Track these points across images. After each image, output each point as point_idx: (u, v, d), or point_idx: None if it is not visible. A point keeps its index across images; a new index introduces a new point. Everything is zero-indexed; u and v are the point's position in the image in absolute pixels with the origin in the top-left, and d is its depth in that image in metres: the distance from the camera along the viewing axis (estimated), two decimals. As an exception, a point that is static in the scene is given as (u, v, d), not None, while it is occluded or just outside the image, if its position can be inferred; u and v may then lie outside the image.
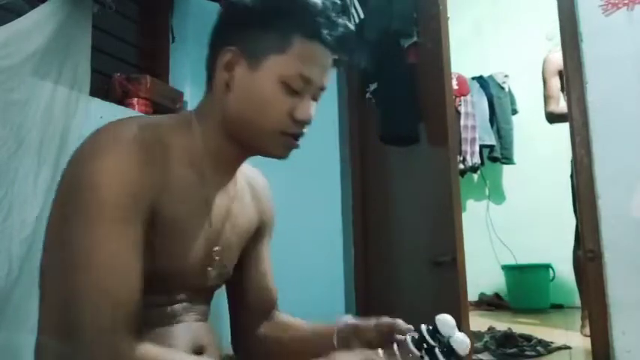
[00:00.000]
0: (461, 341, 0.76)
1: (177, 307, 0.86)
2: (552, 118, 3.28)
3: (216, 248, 0.87)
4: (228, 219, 0.89)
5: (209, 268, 0.87)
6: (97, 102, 2.01)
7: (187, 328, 0.86)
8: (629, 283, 1.87)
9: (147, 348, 0.71)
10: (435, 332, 0.78)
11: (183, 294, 0.86)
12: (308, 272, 2.45)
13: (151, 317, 0.78)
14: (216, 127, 0.85)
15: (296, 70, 0.81)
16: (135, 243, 0.73)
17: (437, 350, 0.75)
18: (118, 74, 2.17)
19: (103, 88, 2.15)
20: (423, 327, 0.79)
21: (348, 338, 0.91)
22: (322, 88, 0.86)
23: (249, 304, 1.01)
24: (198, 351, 0.87)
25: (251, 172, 1.01)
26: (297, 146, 0.86)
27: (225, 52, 0.83)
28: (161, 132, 0.81)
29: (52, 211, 0.80)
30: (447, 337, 0.77)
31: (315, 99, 0.86)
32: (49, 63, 1.85)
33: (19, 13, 1.77)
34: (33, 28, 1.78)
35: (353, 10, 2.45)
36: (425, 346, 0.76)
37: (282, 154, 0.86)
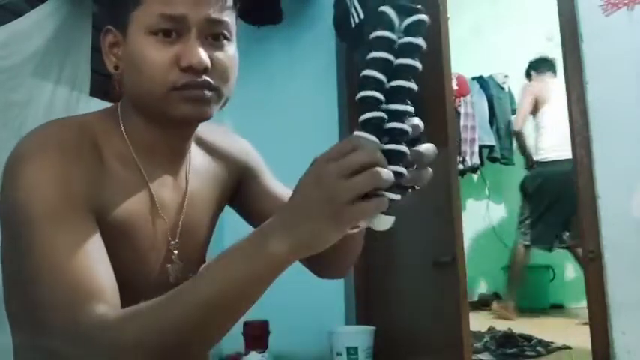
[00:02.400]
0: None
1: None
2: (513, 133, 4.03)
3: (173, 242, 0.81)
4: (184, 206, 0.83)
5: (168, 265, 0.81)
6: (97, 102, 2.01)
7: None
8: (629, 283, 1.87)
9: (110, 312, 0.61)
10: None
11: (153, 296, 0.82)
12: (308, 273, 2.45)
13: None
14: (135, 116, 0.78)
15: (155, 12, 0.70)
16: (88, 230, 0.67)
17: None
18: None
19: (102, 88, 2.15)
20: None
21: None
22: (212, 21, 0.72)
23: None
24: None
25: (212, 136, 0.91)
26: (201, 96, 0.72)
27: (104, 33, 0.76)
28: (88, 131, 0.74)
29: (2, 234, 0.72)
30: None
31: (214, 38, 0.73)
32: (49, 63, 1.85)
33: (19, 13, 1.78)
34: (33, 28, 1.79)
35: (353, 10, 2.45)
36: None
37: (188, 111, 0.72)
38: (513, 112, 4.42)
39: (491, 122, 4.30)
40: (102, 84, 2.15)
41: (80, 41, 1.99)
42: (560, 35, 2.10)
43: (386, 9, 0.60)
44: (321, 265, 0.96)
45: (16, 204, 0.67)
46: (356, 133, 0.57)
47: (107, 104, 2.16)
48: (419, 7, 0.62)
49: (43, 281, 0.63)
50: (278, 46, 2.86)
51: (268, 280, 0.58)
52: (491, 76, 4.40)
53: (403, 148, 0.57)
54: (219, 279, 0.57)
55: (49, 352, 0.63)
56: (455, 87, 3.89)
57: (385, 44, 0.61)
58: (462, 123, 4.08)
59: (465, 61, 3.84)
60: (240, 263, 0.57)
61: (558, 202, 3.51)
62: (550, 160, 3.59)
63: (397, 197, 0.57)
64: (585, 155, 1.98)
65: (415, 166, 0.59)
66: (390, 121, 0.57)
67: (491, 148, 4.27)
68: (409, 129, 0.58)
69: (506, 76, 4.41)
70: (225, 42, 0.75)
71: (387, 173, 0.53)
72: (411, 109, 0.59)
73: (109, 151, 0.75)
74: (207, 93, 0.72)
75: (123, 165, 0.76)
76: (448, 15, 2.14)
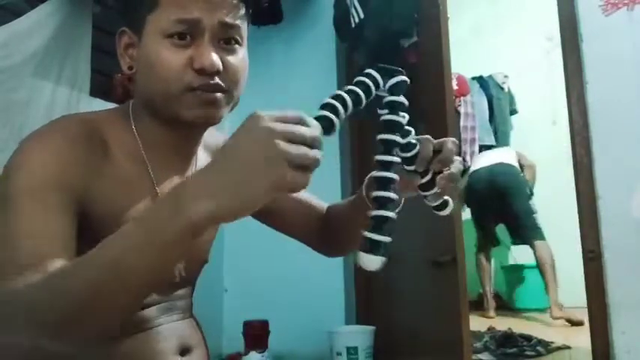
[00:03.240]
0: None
1: (152, 309, 0.81)
2: None
3: None
4: None
5: None
6: (98, 102, 2.02)
7: (169, 329, 0.82)
8: (629, 283, 1.87)
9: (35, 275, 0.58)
10: None
11: (158, 294, 0.82)
12: (308, 271, 2.45)
13: (125, 325, 0.73)
14: (147, 116, 0.79)
15: (171, 16, 0.71)
16: (60, 223, 0.66)
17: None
18: (118, 74, 2.18)
19: (103, 88, 2.15)
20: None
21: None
22: (225, 24, 0.74)
23: (304, 227, 0.99)
24: (184, 353, 0.84)
25: (219, 140, 0.93)
26: (213, 99, 0.74)
27: (119, 34, 0.78)
28: (98, 126, 0.76)
29: None
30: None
31: (226, 42, 0.75)
32: (49, 63, 1.85)
33: (19, 13, 1.78)
34: (33, 28, 1.79)
35: (353, 10, 2.45)
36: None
37: (199, 114, 0.74)
38: (513, 112, 4.43)
39: (491, 122, 4.30)
40: (102, 84, 2.16)
41: (80, 41, 1.99)
42: (560, 35, 2.10)
43: (371, 71, 0.66)
44: (329, 239, 0.97)
45: (8, 173, 0.69)
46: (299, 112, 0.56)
47: (107, 104, 2.18)
48: (400, 69, 0.68)
49: None
50: (278, 46, 2.86)
51: (177, 249, 0.53)
52: (491, 76, 4.41)
53: (391, 194, 0.63)
54: (131, 245, 0.53)
55: None
56: (455, 87, 3.89)
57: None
58: (462, 123, 4.09)
59: (465, 61, 3.84)
60: (155, 228, 0.52)
61: (483, 208, 3.83)
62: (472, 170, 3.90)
63: (388, 239, 0.60)
64: (585, 155, 1.98)
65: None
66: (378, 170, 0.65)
67: (491, 147, 4.27)
68: (395, 177, 0.65)
69: (506, 76, 4.41)
70: (236, 46, 0.77)
71: (319, 157, 0.53)
72: (397, 159, 0.67)
73: (117, 146, 0.77)
74: (219, 96, 0.74)
75: (130, 161, 0.78)
76: (448, 15, 2.14)
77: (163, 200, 0.55)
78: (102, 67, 2.16)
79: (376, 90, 0.66)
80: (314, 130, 0.54)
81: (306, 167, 0.51)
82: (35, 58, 1.79)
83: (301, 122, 0.53)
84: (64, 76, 1.90)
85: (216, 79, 0.73)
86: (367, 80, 0.65)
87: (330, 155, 2.65)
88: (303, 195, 0.99)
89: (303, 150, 0.51)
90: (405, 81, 0.68)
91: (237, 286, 2.77)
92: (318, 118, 0.58)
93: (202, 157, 0.88)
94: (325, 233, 0.97)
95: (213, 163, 0.54)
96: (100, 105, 2.01)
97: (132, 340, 0.77)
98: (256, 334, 2.27)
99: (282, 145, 0.50)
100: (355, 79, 0.65)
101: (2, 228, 0.65)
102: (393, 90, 0.67)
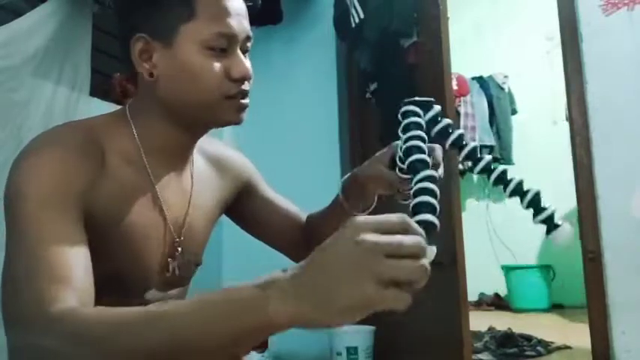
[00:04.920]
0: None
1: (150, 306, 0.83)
2: None
3: (178, 239, 0.85)
4: (187, 208, 0.87)
5: (169, 259, 0.84)
6: (97, 102, 2.02)
7: None
8: (629, 283, 1.87)
9: (79, 305, 0.60)
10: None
11: (152, 291, 0.84)
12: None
13: None
14: (154, 120, 0.82)
15: (213, 30, 0.76)
16: (74, 231, 0.68)
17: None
18: (118, 74, 2.18)
19: (103, 88, 2.15)
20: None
21: (352, 189, 0.92)
22: (249, 37, 0.81)
23: (284, 236, 1.02)
24: None
25: (212, 147, 0.97)
26: (246, 105, 0.81)
27: (134, 41, 0.78)
28: (95, 133, 0.78)
29: None
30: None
31: (246, 51, 0.82)
32: (49, 63, 1.85)
33: (19, 13, 1.78)
34: (33, 28, 1.79)
35: (353, 10, 2.45)
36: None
37: (235, 118, 0.81)
38: (513, 112, 4.43)
39: (491, 122, 4.31)
40: (102, 84, 2.16)
41: (80, 41, 1.99)
42: (560, 35, 2.10)
43: (414, 110, 0.78)
44: (309, 250, 0.98)
45: (14, 191, 0.70)
46: (401, 214, 0.52)
47: (107, 104, 2.18)
48: (432, 100, 0.79)
49: (19, 263, 0.65)
50: (278, 46, 2.86)
51: (249, 338, 0.52)
52: (491, 77, 4.41)
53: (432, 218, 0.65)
54: (201, 322, 0.52)
55: (15, 336, 0.62)
56: (455, 87, 3.89)
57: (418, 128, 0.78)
58: (462, 123, 4.09)
59: (465, 61, 3.84)
60: (230, 314, 0.51)
61: None
62: None
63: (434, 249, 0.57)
64: (585, 155, 1.98)
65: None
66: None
67: (491, 147, 4.28)
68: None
69: (506, 77, 4.41)
70: (248, 51, 0.83)
71: (429, 271, 0.49)
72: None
73: (114, 151, 0.78)
74: (248, 101, 0.82)
75: (129, 165, 0.79)
76: (448, 15, 2.14)
77: (250, 288, 0.52)
78: (102, 67, 2.16)
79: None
80: (420, 240, 0.49)
81: (410, 283, 0.48)
82: (35, 58, 1.79)
83: (405, 229, 0.50)
84: (64, 76, 1.90)
85: (247, 85, 0.80)
86: (419, 121, 0.77)
87: (329, 145, 2.65)
88: (282, 204, 1.02)
89: (407, 266, 0.48)
90: (440, 112, 0.79)
91: (237, 286, 2.77)
92: (420, 223, 0.57)
93: (197, 159, 0.92)
94: (305, 244, 0.99)
95: (307, 264, 0.51)
96: (100, 105, 2.01)
97: None
98: (256, 334, 2.27)
99: (382, 261, 0.47)
100: (407, 123, 0.77)
101: (23, 243, 0.66)
102: (432, 124, 0.78)
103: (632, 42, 1.94)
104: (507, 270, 4.23)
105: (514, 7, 4.38)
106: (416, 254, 0.48)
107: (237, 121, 0.82)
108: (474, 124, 4.16)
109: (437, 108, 0.79)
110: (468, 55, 4.03)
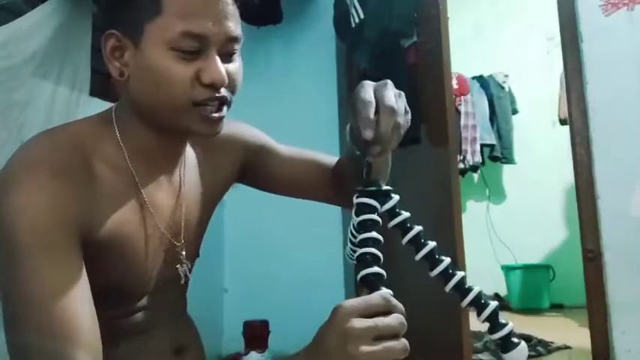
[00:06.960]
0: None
1: (150, 311, 0.80)
2: None
3: (179, 244, 0.82)
4: (183, 208, 0.83)
5: (177, 266, 0.82)
6: (97, 102, 2.02)
7: (165, 329, 0.83)
8: (629, 283, 1.87)
9: None
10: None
11: (154, 297, 0.81)
12: (308, 273, 2.45)
13: (120, 326, 0.75)
14: (134, 121, 0.76)
15: (177, 29, 0.67)
16: (75, 270, 0.64)
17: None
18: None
19: (103, 88, 2.16)
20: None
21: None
22: (232, 38, 0.72)
23: (312, 189, 0.99)
24: (179, 352, 0.84)
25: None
26: (219, 118, 0.73)
27: (106, 37, 0.73)
28: (79, 138, 0.72)
29: None
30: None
31: (229, 53, 0.73)
32: (49, 63, 1.85)
33: (19, 13, 1.78)
34: (33, 28, 1.79)
35: (353, 10, 2.45)
36: None
37: (204, 130, 0.73)
38: (514, 111, 4.43)
39: (491, 121, 4.31)
40: (102, 84, 2.16)
41: (80, 41, 1.99)
42: (560, 35, 2.10)
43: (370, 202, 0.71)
44: (341, 189, 0.96)
45: (2, 231, 0.63)
46: (383, 291, 0.60)
47: (107, 104, 2.17)
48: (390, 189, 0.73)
49: (26, 321, 0.61)
50: (278, 46, 2.87)
51: None
52: (491, 76, 4.41)
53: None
54: None
55: None
56: (455, 86, 3.89)
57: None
58: (462, 122, 4.09)
59: (465, 61, 3.84)
60: None
61: None
62: None
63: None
64: (585, 155, 1.98)
65: None
66: None
67: (492, 147, 4.28)
68: None
69: (506, 76, 4.41)
70: (235, 54, 0.75)
71: (407, 347, 0.56)
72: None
73: (100, 160, 0.73)
74: (224, 111, 0.73)
75: (114, 172, 0.74)
76: (448, 15, 2.14)
77: None
78: (102, 67, 2.14)
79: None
80: (400, 318, 0.57)
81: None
82: (35, 58, 1.79)
83: (386, 308, 0.57)
84: (64, 76, 1.90)
85: (222, 91, 0.72)
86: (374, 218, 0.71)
87: (329, 145, 2.65)
88: (302, 157, 0.98)
89: (388, 347, 0.55)
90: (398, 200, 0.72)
91: (237, 286, 2.77)
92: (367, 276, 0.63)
93: (190, 151, 0.87)
94: (338, 187, 0.96)
95: (304, 357, 0.60)
96: (100, 105, 2.01)
97: (127, 341, 0.77)
98: (256, 334, 2.27)
99: (363, 350, 0.55)
100: (361, 221, 0.70)
101: (17, 288, 0.61)
102: (391, 212, 0.73)
103: (632, 42, 1.94)
104: (507, 270, 4.23)
105: (514, 7, 4.38)
106: (398, 332, 0.56)
107: (208, 133, 0.74)
108: (474, 122, 4.16)
109: (395, 198, 0.73)
110: (468, 55, 4.03)
